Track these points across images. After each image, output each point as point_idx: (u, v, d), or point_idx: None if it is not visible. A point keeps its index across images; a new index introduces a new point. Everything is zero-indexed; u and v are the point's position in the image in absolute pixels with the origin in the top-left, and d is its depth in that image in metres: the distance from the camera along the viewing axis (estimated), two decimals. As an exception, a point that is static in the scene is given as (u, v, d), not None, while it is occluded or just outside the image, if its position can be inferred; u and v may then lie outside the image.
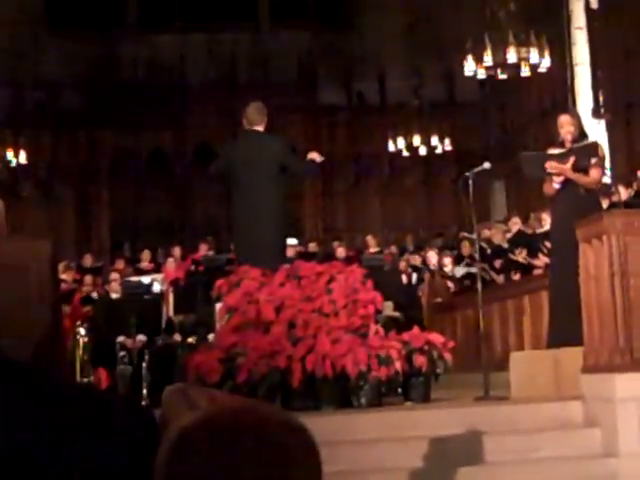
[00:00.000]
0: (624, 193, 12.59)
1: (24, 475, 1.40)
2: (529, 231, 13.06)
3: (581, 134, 7.81)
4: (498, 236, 13.63)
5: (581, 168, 7.58)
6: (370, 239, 18.52)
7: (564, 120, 7.80)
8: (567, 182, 7.61)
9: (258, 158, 8.36)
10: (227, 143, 10.44)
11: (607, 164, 14.35)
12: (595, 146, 7.85)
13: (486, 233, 14.45)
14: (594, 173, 7.66)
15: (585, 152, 7.62)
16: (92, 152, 23.11)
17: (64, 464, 1.40)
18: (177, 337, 11.64)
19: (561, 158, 7.57)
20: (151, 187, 23.18)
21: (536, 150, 8.16)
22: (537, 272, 11.86)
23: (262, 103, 8.81)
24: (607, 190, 11.86)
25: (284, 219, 8.58)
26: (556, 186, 7.66)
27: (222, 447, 1.28)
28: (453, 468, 5.73)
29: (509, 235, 13.68)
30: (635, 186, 13.21)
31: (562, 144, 7.78)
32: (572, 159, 7.54)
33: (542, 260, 11.65)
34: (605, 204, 11.85)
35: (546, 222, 11.78)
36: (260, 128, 8.62)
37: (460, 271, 13.76)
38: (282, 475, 1.30)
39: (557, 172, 7.57)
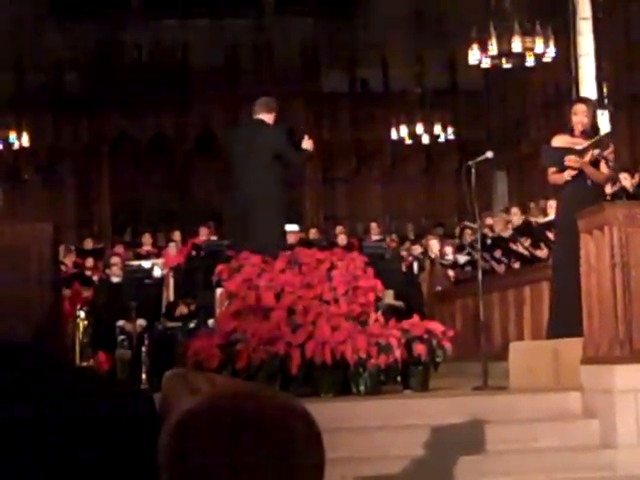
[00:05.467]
0: (628, 182, 12.55)
1: (24, 454, 1.40)
2: (535, 222, 13.03)
3: (593, 126, 7.80)
4: (500, 225, 13.61)
5: (597, 162, 7.59)
6: (374, 226, 18.50)
7: (580, 109, 7.74)
8: (578, 174, 7.60)
9: (252, 145, 8.54)
10: (227, 129, 10.61)
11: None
12: (608, 139, 7.85)
13: (489, 221, 14.44)
14: (605, 167, 7.66)
15: (602, 145, 7.61)
16: (94, 136, 23.08)
17: (64, 446, 1.40)
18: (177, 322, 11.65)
19: (581, 153, 7.54)
20: (152, 172, 23.18)
21: (540, 139, 8.13)
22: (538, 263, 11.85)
23: (270, 99, 8.92)
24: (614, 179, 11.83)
25: (279, 206, 8.58)
26: (567, 178, 7.63)
27: (225, 430, 1.28)
28: (451, 457, 5.73)
29: (514, 224, 13.64)
30: (638, 177, 13.18)
31: (571, 132, 7.74)
32: (590, 154, 7.51)
33: (544, 251, 11.63)
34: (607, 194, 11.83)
35: (551, 211, 11.76)
36: (263, 117, 8.67)
37: (462, 259, 13.75)
38: (285, 457, 1.29)
39: (577, 166, 7.54)
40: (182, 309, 11.78)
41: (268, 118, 8.73)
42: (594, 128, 7.83)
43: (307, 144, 8.87)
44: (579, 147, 7.59)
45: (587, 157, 7.51)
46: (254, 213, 8.39)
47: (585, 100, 8.54)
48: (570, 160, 7.54)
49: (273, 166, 8.46)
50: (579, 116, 7.68)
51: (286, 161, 8.67)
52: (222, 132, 22.98)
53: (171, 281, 13.01)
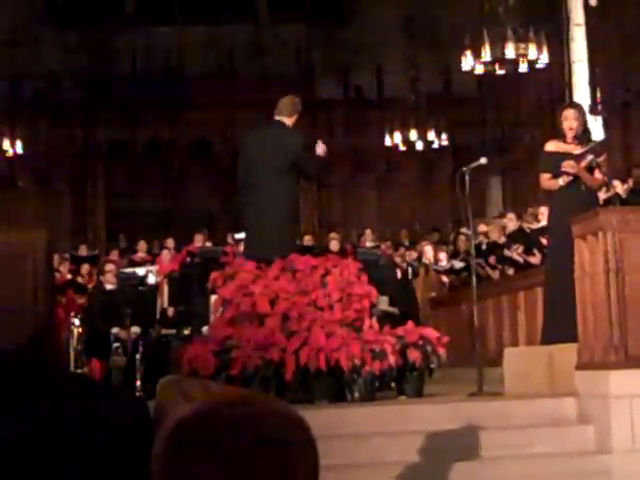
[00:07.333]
0: (620, 188, 12.58)
1: (21, 461, 1.40)
2: (528, 229, 13.05)
3: (584, 130, 7.81)
4: (495, 232, 13.64)
5: (592, 168, 7.60)
6: (368, 232, 18.50)
7: (569, 114, 7.75)
8: (571, 180, 7.61)
9: (271, 147, 8.25)
10: (245, 134, 10.22)
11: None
12: (604, 146, 7.86)
13: (482, 228, 14.44)
14: (598, 174, 7.67)
15: (597, 152, 7.62)
16: (89, 143, 23.08)
17: (60, 452, 1.40)
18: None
19: (578, 158, 7.55)
20: (147, 178, 23.17)
21: (534, 145, 8.14)
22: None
23: (295, 99, 8.68)
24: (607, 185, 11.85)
25: (294, 209, 8.44)
26: (561, 183, 7.63)
27: (220, 437, 1.28)
28: (446, 463, 5.73)
29: (507, 231, 13.67)
30: (631, 183, 13.22)
31: (564, 138, 7.75)
32: (588, 159, 7.52)
33: (537, 257, 11.65)
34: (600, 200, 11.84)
35: (543, 217, 11.77)
36: (284, 119, 8.48)
37: (458, 264, 13.77)
38: (280, 465, 1.30)
39: (574, 172, 7.54)
40: (170, 313, 11.83)
41: (289, 121, 8.50)
42: (586, 133, 7.84)
43: (320, 149, 8.47)
44: (577, 152, 7.60)
45: (583, 163, 7.53)
46: (268, 215, 8.13)
47: (574, 105, 8.55)
48: (568, 165, 7.54)
49: (289, 171, 8.22)
50: (569, 121, 7.69)
51: (300, 170, 8.41)
52: (217, 138, 23.05)
53: (165, 288, 12.99)
